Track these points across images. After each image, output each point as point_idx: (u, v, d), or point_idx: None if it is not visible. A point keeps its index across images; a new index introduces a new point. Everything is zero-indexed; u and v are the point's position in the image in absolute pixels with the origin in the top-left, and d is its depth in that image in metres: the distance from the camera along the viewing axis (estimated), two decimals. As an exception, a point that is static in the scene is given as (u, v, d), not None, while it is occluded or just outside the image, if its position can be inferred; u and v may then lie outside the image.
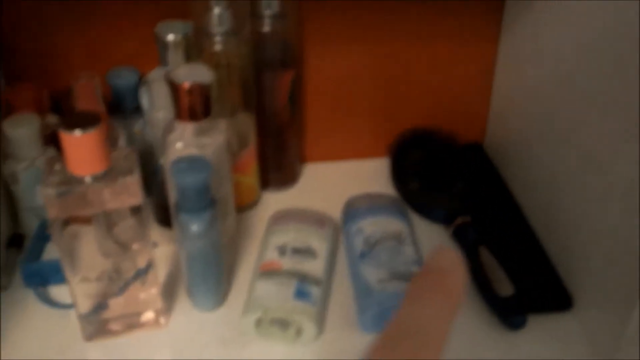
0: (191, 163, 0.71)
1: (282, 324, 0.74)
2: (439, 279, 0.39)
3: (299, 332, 0.74)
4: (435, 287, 0.39)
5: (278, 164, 0.97)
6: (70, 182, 0.66)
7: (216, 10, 0.80)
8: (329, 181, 1.01)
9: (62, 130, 0.63)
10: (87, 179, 0.65)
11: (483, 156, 1.04)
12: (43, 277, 0.82)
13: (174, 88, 0.74)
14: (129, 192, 0.68)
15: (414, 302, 0.38)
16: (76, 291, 0.73)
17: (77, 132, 0.62)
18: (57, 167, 0.67)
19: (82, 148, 0.64)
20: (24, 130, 0.81)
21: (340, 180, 1.01)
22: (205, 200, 0.72)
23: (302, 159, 1.03)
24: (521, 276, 0.81)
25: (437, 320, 0.37)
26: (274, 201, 0.96)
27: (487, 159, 1.04)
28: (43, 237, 0.87)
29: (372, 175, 1.01)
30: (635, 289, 0.66)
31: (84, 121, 0.63)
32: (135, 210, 0.69)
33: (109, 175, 0.66)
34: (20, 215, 0.88)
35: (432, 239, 0.89)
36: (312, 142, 1.03)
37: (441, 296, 0.38)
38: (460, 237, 0.87)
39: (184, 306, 0.80)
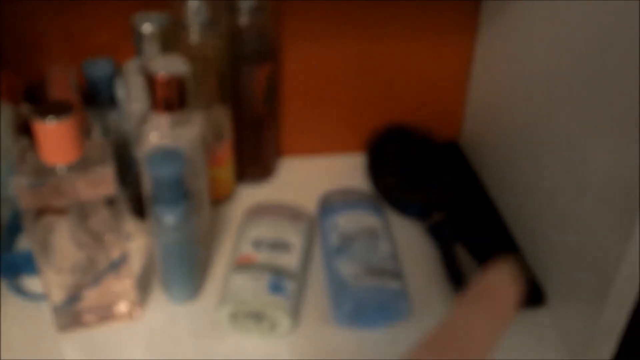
0: (165, 154, 0.71)
1: (257, 317, 0.74)
2: (492, 293, 0.40)
3: (273, 325, 0.74)
4: (487, 301, 0.39)
5: (254, 158, 0.96)
6: (42, 171, 0.65)
7: (193, 2, 0.79)
8: (305, 175, 1.01)
9: (34, 119, 0.62)
10: (60, 169, 0.65)
11: (459, 154, 1.05)
12: (16, 267, 0.81)
13: (149, 79, 0.74)
14: (103, 182, 0.67)
15: (464, 310, 0.39)
16: (49, 282, 0.72)
17: (50, 121, 0.62)
18: (30, 156, 0.67)
19: (54, 137, 0.63)
20: (4, 122, 0.81)
21: (316, 175, 1.00)
22: (180, 193, 0.72)
23: (278, 153, 1.02)
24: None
25: (484, 332, 0.38)
26: (249, 195, 0.96)
27: (463, 156, 1.04)
28: (16, 227, 0.86)
29: (348, 170, 1.01)
30: (606, 284, 0.66)
31: (57, 110, 0.63)
32: (109, 202, 0.69)
33: (82, 165, 0.66)
34: (-5, 205, 0.87)
35: (407, 234, 0.89)
36: (288, 135, 1.02)
37: (491, 309, 0.39)
38: (436, 233, 0.88)
39: (158, 299, 0.80)
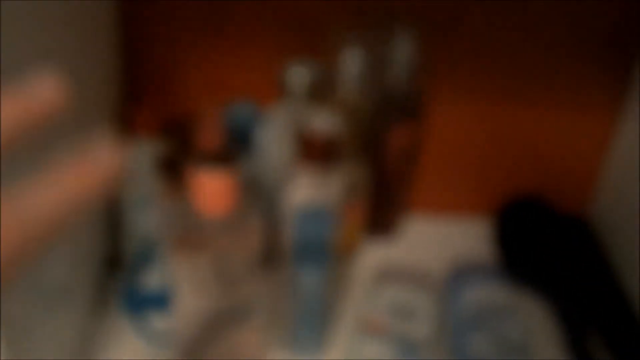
0: (315, 213, 0.70)
1: (384, 387, 0.72)
2: None
3: (399, 397, 0.72)
4: None
5: (382, 213, 0.95)
6: (194, 221, 0.64)
7: (351, 55, 0.78)
8: (431, 235, 0.99)
9: (195, 167, 0.62)
10: (211, 222, 0.64)
11: (587, 231, 1.01)
12: (143, 305, 0.81)
13: (302, 134, 0.73)
14: (248, 238, 0.66)
15: None
16: (179, 327, 0.71)
17: (212, 172, 0.61)
18: (180, 202, 0.66)
19: (214, 189, 0.62)
20: (141, 155, 0.81)
21: (442, 236, 0.98)
22: (323, 252, 0.70)
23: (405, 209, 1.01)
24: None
25: None
26: (373, 250, 0.95)
27: (592, 234, 1.00)
28: (144, 264, 0.86)
29: (475, 234, 0.99)
30: None
31: (219, 160, 0.62)
32: (249, 254, 0.68)
33: (232, 219, 0.65)
34: (124, 240, 0.87)
35: (535, 314, 0.86)
36: (416, 192, 1.00)
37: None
38: (566, 316, 0.84)
39: (283, 353, 0.79)
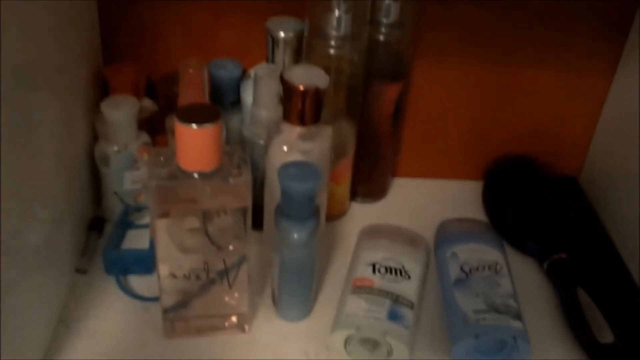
0: (301, 170, 0.68)
1: (373, 344, 0.71)
2: None
3: (388, 354, 0.71)
4: None
5: (369, 176, 0.93)
6: (177, 176, 0.63)
7: (337, 13, 0.77)
8: (419, 198, 0.98)
9: (179, 122, 0.60)
10: (196, 176, 0.62)
11: (578, 190, 1.00)
12: (125, 265, 0.80)
13: (288, 89, 0.72)
14: (237, 193, 0.65)
15: None
16: (162, 286, 0.70)
17: (196, 126, 0.60)
18: (163, 158, 0.65)
19: (198, 143, 0.61)
20: (122, 114, 0.79)
21: (430, 199, 0.98)
22: (310, 209, 0.69)
23: (393, 173, 0.99)
24: (621, 323, 0.76)
25: None
26: (361, 213, 0.93)
27: (582, 193, 1.00)
28: (125, 223, 0.85)
29: (463, 197, 0.98)
30: None
31: (202, 115, 0.61)
32: (238, 211, 0.66)
33: (218, 174, 0.63)
34: (104, 199, 0.85)
35: (525, 272, 0.86)
36: (404, 156, 0.99)
37: None
38: (556, 274, 0.84)
39: (267, 313, 0.78)
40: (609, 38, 0.91)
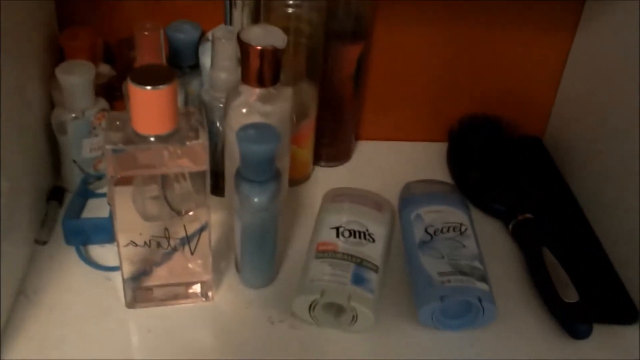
0: (259, 132, 0.67)
1: (338, 309, 0.71)
2: None
3: (353, 319, 0.70)
4: None
5: (333, 139, 0.92)
6: (134, 140, 0.61)
7: (295, -28, 0.75)
8: (383, 161, 0.97)
9: (132, 84, 0.58)
10: (152, 139, 0.61)
11: (542, 150, 1.00)
12: (85, 235, 0.78)
13: (245, 49, 0.70)
14: (195, 157, 0.63)
15: None
16: (123, 253, 0.68)
17: (150, 88, 0.58)
18: (119, 122, 0.63)
19: (152, 105, 0.59)
20: (78, 79, 0.77)
21: (395, 161, 0.97)
22: (270, 172, 0.68)
23: (356, 136, 0.98)
24: (585, 282, 0.76)
25: None
26: (325, 177, 0.93)
27: (547, 153, 0.99)
28: (85, 192, 0.83)
29: (428, 159, 0.97)
30: None
31: (157, 76, 0.59)
32: (196, 176, 0.65)
33: (174, 137, 0.62)
34: (63, 168, 0.84)
35: (490, 233, 0.85)
36: (367, 119, 0.98)
37: None
38: (521, 234, 0.83)
39: (230, 281, 0.77)
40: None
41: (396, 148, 0.99)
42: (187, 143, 0.62)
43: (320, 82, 0.85)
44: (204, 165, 0.64)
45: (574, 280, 0.76)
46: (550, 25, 0.93)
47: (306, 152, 0.88)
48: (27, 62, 0.76)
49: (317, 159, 0.93)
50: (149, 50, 0.75)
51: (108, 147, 0.61)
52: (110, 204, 0.66)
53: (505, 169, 0.92)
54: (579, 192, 0.91)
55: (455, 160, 0.94)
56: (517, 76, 0.97)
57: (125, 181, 0.64)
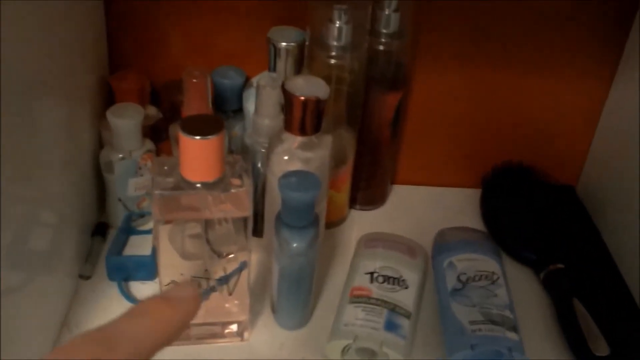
0: (301, 179, 0.69)
1: (370, 354, 0.72)
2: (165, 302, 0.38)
3: (384, 364, 0.72)
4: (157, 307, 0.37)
5: (369, 183, 0.94)
6: (181, 186, 0.64)
7: (338, 23, 0.77)
8: (417, 206, 0.99)
9: (182, 133, 0.61)
10: (198, 186, 0.63)
11: (575, 199, 1.01)
12: (127, 271, 0.81)
13: (289, 99, 0.73)
14: (238, 203, 0.66)
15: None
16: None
17: (199, 138, 0.60)
18: (167, 167, 0.65)
19: (201, 154, 0.62)
20: (127, 122, 0.80)
21: (429, 206, 0.98)
22: (310, 218, 0.70)
23: (392, 180, 1.00)
24: (616, 335, 0.77)
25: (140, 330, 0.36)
26: (360, 220, 0.95)
27: (579, 202, 1.01)
28: (128, 229, 0.86)
29: (461, 205, 0.99)
30: None
31: (206, 126, 0.61)
32: (238, 220, 0.67)
33: (220, 184, 0.64)
34: (108, 205, 0.86)
35: (521, 282, 0.86)
36: (403, 163, 1.00)
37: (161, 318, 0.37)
38: (552, 285, 0.85)
39: (265, 321, 0.78)
40: (608, 45, 0.92)
41: (430, 193, 1.01)
42: (232, 190, 0.64)
43: (359, 128, 0.87)
44: (247, 212, 0.66)
45: (605, 332, 0.77)
46: (587, 74, 0.94)
47: (343, 195, 0.90)
48: (79, 102, 0.79)
49: (353, 202, 0.95)
50: (196, 96, 0.77)
51: (156, 192, 0.63)
52: (155, 244, 0.68)
53: (537, 217, 0.93)
54: (611, 243, 0.92)
55: (488, 207, 0.96)
56: (552, 124, 0.98)
57: (169, 222, 0.66)
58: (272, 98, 0.78)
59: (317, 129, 0.74)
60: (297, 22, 0.83)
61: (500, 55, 0.92)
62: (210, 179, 0.63)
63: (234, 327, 0.75)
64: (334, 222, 0.92)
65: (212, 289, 0.71)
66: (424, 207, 0.98)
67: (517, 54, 0.92)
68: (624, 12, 0.90)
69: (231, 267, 0.70)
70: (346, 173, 0.87)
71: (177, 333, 0.38)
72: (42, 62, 0.66)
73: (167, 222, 0.66)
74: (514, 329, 0.74)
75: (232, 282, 0.71)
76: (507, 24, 0.90)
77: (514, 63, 0.93)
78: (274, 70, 0.83)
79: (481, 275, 0.80)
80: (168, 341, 0.37)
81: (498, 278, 0.80)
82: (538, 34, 0.91)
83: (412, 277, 0.79)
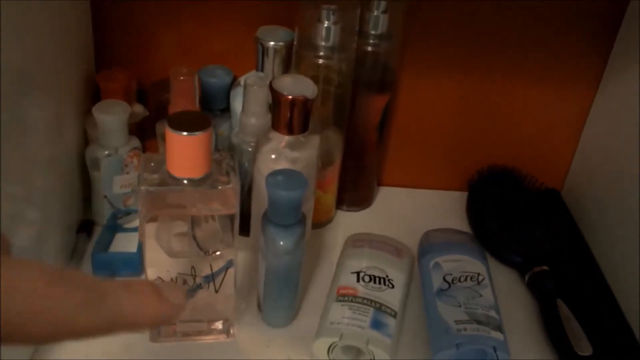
0: (288, 178, 0.69)
1: (356, 352, 0.72)
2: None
3: (370, 363, 0.72)
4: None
5: (355, 185, 0.95)
6: (167, 182, 0.64)
7: (326, 24, 0.78)
8: (403, 208, 0.99)
9: (169, 129, 0.61)
10: (185, 182, 0.63)
11: (560, 203, 1.02)
12: (113, 268, 0.80)
13: (277, 98, 0.73)
14: (225, 200, 0.66)
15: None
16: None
17: (186, 134, 0.60)
18: (154, 164, 0.65)
19: (187, 150, 0.62)
20: (113, 118, 0.80)
21: (415, 208, 0.99)
22: (297, 217, 0.70)
23: (378, 182, 1.00)
24: (599, 335, 0.78)
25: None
26: (347, 221, 0.95)
27: (565, 206, 1.01)
28: (114, 227, 0.86)
29: (447, 207, 0.99)
30: None
31: (193, 123, 0.61)
32: (225, 218, 0.68)
33: (207, 181, 0.64)
34: (94, 202, 0.86)
35: (506, 283, 0.87)
36: (389, 166, 1.00)
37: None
38: (537, 286, 0.85)
39: (252, 319, 0.78)
40: (594, 52, 0.93)
41: (417, 195, 1.02)
42: (219, 187, 0.64)
43: (346, 129, 0.87)
44: (234, 209, 0.66)
45: (588, 333, 0.78)
46: (573, 80, 0.95)
47: (330, 196, 0.90)
48: (65, 100, 0.79)
49: (340, 203, 0.95)
50: (183, 94, 0.77)
51: (143, 188, 0.63)
52: (142, 240, 0.68)
53: (522, 220, 0.93)
54: (595, 245, 0.93)
55: (474, 210, 0.96)
56: (538, 129, 0.99)
57: (155, 219, 0.66)
58: (259, 97, 0.79)
59: (304, 128, 0.75)
60: (286, 22, 0.83)
61: (487, 61, 0.93)
62: (197, 175, 0.63)
63: (219, 324, 0.75)
64: (321, 223, 0.92)
65: (199, 286, 0.71)
66: (411, 209, 0.99)
67: (504, 59, 0.93)
68: (609, 20, 0.91)
69: (217, 265, 0.70)
70: (333, 174, 0.88)
71: (147, 325, 0.39)
72: (28, 60, 0.66)
73: (154, 219, 0.66)
74: (499, 328, 0.75)
75: (218, 279, 0.71)
76: (494, 30, 0.91)
77: (500, 68, 0.94)
78: (262, 69, 0.83)
79: (467, 276, 0.80)
80: (136, 328, 0.38)
81: (483, 279, 0.81)
82: (525, 41, 0.92)
83: (398, 276, 0.80)
